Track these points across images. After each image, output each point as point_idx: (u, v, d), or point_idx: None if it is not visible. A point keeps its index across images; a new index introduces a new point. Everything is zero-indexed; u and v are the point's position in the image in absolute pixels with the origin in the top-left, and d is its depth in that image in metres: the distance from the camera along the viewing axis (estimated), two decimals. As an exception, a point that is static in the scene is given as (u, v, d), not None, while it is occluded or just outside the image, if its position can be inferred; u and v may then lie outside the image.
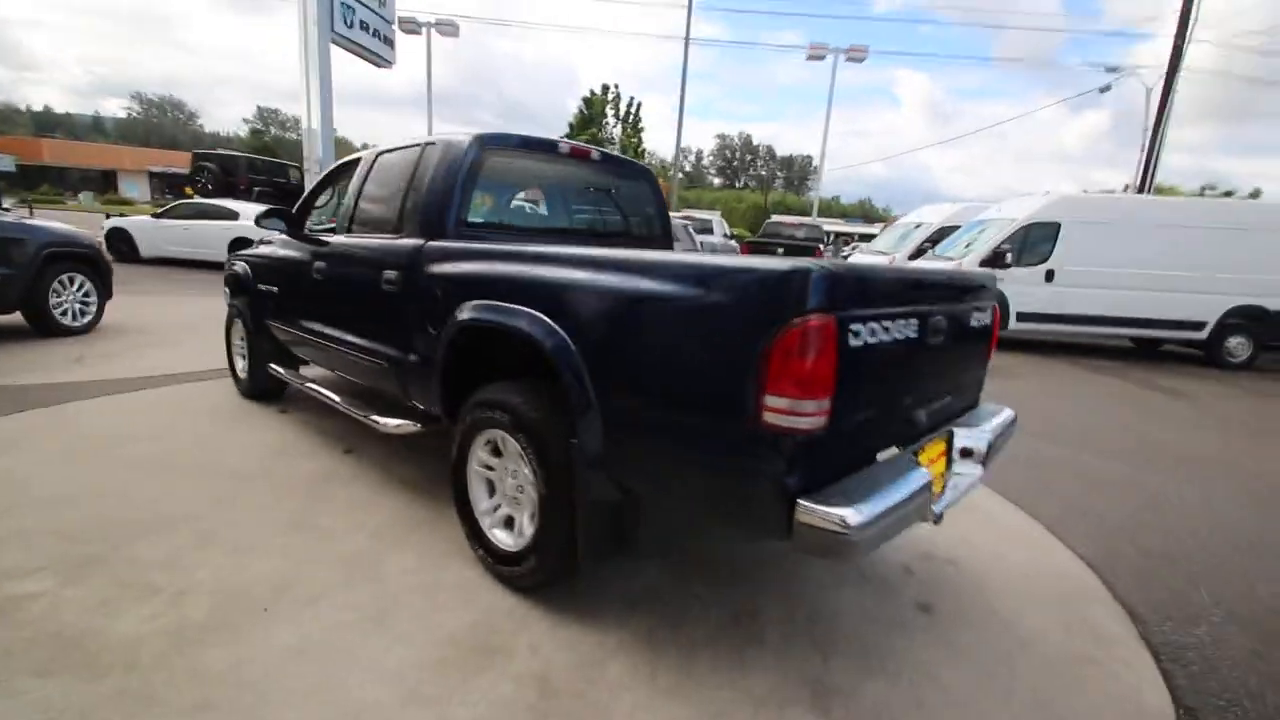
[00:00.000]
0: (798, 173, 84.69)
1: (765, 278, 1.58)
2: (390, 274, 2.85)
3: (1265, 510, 3.81)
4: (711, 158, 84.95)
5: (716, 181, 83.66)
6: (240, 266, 4.49)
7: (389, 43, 17.74)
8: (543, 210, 3.35)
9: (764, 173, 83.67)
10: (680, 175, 37.03)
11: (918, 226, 13.51)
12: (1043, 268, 9.21)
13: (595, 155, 3.33)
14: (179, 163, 29.33)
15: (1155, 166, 17.65)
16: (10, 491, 2.85)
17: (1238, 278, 8.98)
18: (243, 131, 61.55)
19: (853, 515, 1.53)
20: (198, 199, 14.02)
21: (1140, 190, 17.57)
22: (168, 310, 8.01)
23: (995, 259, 9.15)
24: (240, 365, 4.67)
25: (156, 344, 6.05)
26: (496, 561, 2.36)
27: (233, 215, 12.20)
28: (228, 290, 4.84)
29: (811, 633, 2.25)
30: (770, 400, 1.55)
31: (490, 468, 2.45)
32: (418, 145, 3.14)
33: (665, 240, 3.78)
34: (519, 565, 2.26)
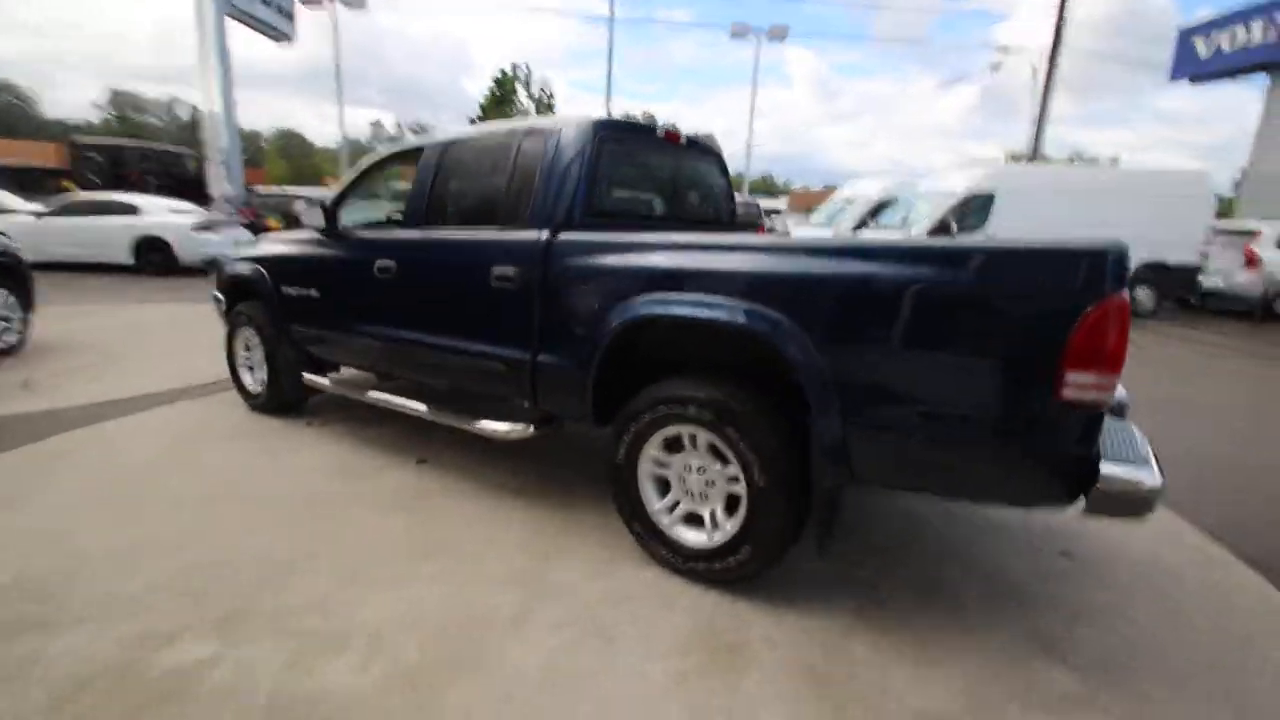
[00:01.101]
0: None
1: (1068, 260, 1.60)
2: (505, 270, 2.65)
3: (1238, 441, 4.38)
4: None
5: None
6: (246, 269, 4.00)
7: (288, 16, 16.27)
8: (644, 197, 3.21)
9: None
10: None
11: (850, 202, 14.12)
12: (981, 233, 9.92)
13: (682, 139, 3.23)
14: (29, 155, 25.31)
15: (1041, 138, 19.40)
16: (65, 551, 2.42)
17: (1142, 236, 10.09)
18: (93, 117, 54.05)
19: (1149, 477, 1.62)
20: (81, 194, 12.29)
21: (1031, 159, 19.22)
22: (93, 322, 7.01)
23: (942, 228, 9.76)
24: (251, 378, 4.20)
25: (107, 361, 5.29)
26: (686, 560, 2.29)
27: (133, 210, 10.81)
28: (221, 297, 4.31)
29: (996, 592, 2.35)
30: (1073, 377, 1.59)
31: (664, 465, 2.36)
32: (510, 131, 2.92)
33: (733, 222, 3.75)
34: (720, 560, 2.20)
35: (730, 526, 2.19)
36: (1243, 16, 16.53)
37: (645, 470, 2.38)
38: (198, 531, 2.57)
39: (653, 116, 3.22)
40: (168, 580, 2.22)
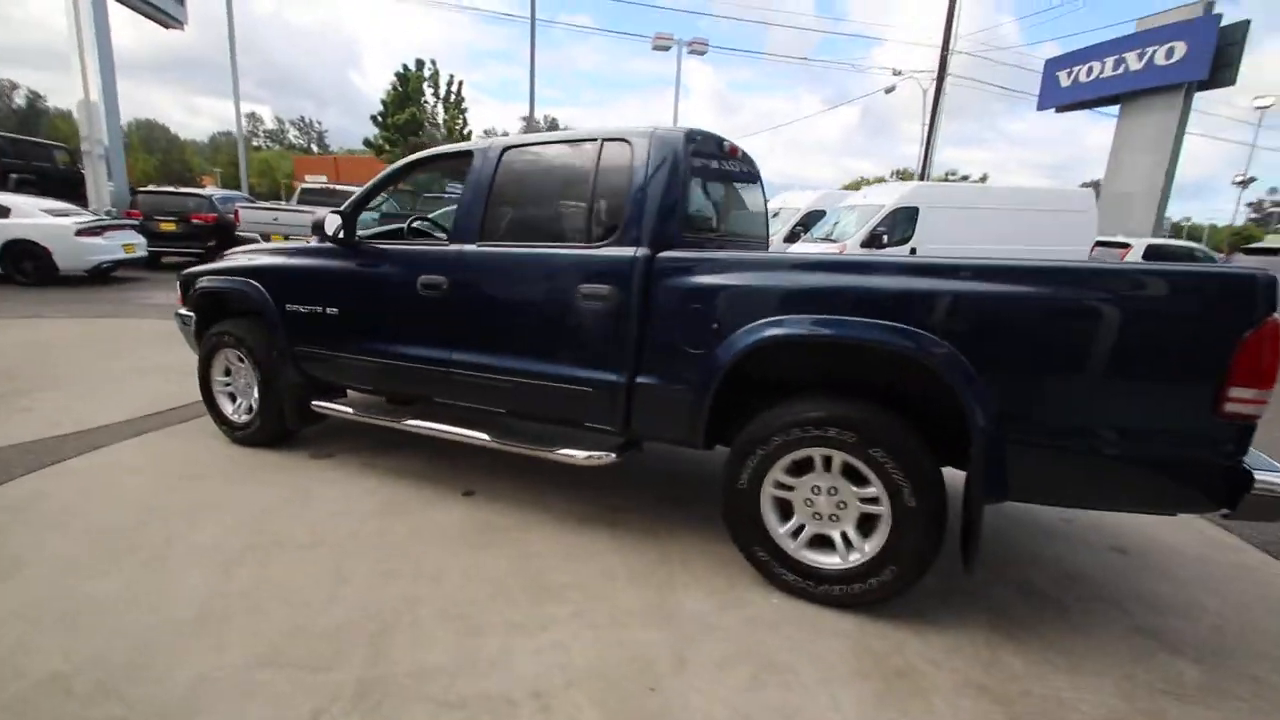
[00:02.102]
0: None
1: (1235, 285, 1.75)
2: (596, 289, 2.52)
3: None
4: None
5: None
6: (231, 284, 3.55)
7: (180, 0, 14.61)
8: (709, 213, 3.15)
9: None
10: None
11: (775, 214, 14.74)
12: (908, 245, 10.67)
13: (740, 153, 3.23)
14: None
15: (930, 158, 21.13)
16: (117, 628, 2.03)
17: (1039, 249, 11.25)
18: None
19: None
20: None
21: (921, 177, 20.85)
22: (-28, 343, 5.94)
23: (873, 239, 10.41)
24: (233, 406, 3.73)
25: (29, 389, 4.51)
26: (820, 583, 2.28)
27: (2, 212, 9.28)
28: (191, 314, 3.81)
29: (1086, 593, 2.52)
30: (1235, 393, 1.74)
31: (788, 488, 2.34)
32: (584, 140, 2.78)
33: (767, 240, 3.78)
34: (861, 582, 2.21)
35: (869, 548, 2.21)
36: (1099, 52, 18.90)
37: (768, 494, 2.35)
38: (264, 589, 2.25)
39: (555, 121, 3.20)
40: (266, 651, 1.92)
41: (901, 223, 10.75)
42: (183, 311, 3.85)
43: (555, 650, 1.99)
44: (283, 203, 14.41)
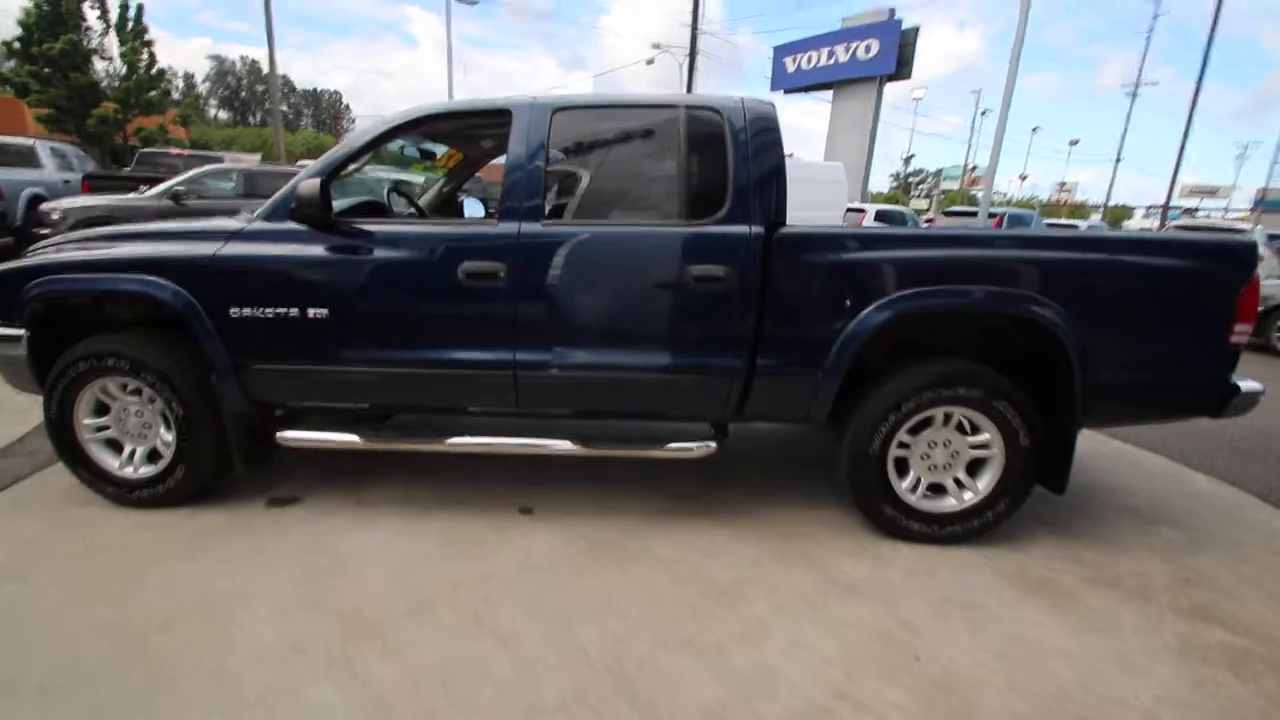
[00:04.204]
0: (327, 110, 76.23)
1: (1235, 248, 2.36)
2: (711, 270, 2.38)
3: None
4: (210, 85, 68.46)
5: (222, 115, 68.35)
6: (124, 283, 2.49)
7: None
8: None
9: (285, 108, 72.11)
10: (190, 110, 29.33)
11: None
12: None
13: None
14: None
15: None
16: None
17: (805, 215, 13.16)
18: None
19: (1257, 385, 2.54)
20: None
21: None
22: None
23: None
24: (124, 458, 2.68)
25: None
26: (944, 525, 2.55)
27: None
28: (21, 333, 2.60)
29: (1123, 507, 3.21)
30: (1239, 327, 2.39)
31: (906, 446, 2.54)
32: (663, 106, 2.55)
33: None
34: (978, 517, 2.53)
35: (983, 486, 2.53)
36: (816, 43, 22.23)
37: (891, 455, 2.52)
38: (430, 681, 1.74)
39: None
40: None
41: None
42: (6, 331, 2.58)
43: (800, 649, 1.94)
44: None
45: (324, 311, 2.47)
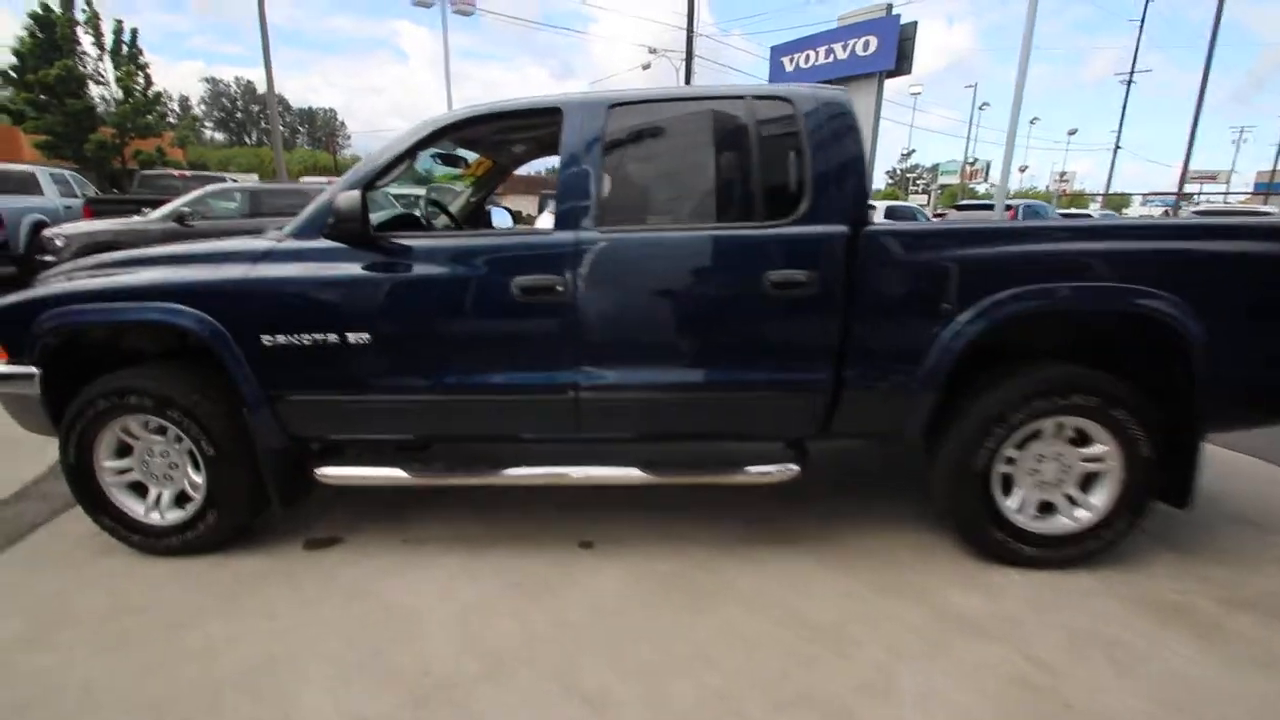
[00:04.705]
0: (323, 128, 76.36)
1: None
2: (791, 275, 2.15)
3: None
4: (205, 107, 68.58)
5: (219, 137, 68.47)
6: (148, 313, 2.27)
7: None
8: None
9: (282, 127, 72.28)
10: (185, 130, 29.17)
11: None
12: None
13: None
14: None
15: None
16: None
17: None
18: None
19: None
20: None
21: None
22: None
23: None
24: (151, 503, 2.46)
25: None
26: (1061, 547, 2.30)
27: None
28: (34, 371, 2.37)
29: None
30: None
31: (1012, 462, 2.30)
32: (727, 98, 2.33)
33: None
34: (1095, 538, 2.29)
35: (1099, 502, 2.29)
36: (814, 42, 22.09)
37: (997, 473, 2.29)
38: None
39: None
40: None
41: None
42: (19, 370, 2.36)
43: (936, 703, 1.70)
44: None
45: (366, 336, 2.25)
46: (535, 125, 2.80)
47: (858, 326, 2.19)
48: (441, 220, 3.18)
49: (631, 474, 2.34)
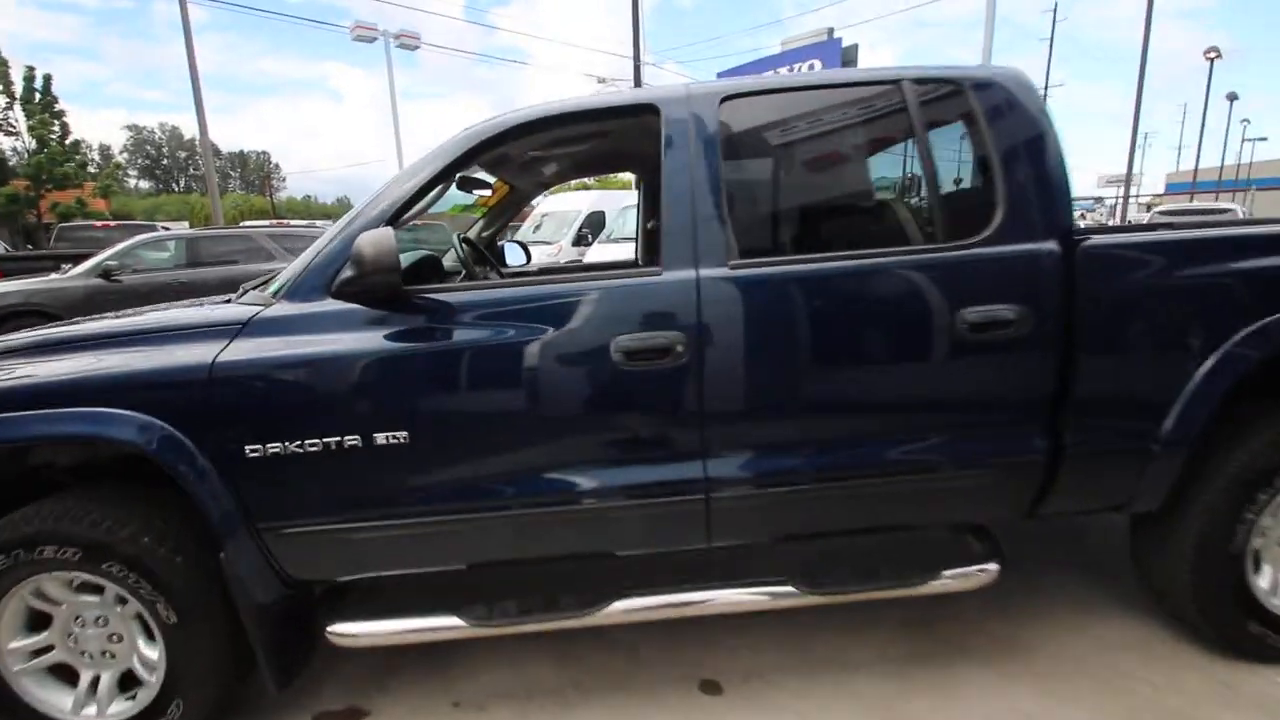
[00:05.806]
0: (255, 171, 73.86)
1: None
2: (995, 311, 1.59)
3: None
4: (128, 155, 65.23)
5: (144, 185, 65.20)
6: (75, 423, 1.52)
7: None
8: None
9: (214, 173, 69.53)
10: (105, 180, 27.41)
11: (547, 215, 14.08)
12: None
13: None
14: None
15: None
16: None
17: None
18: None
19: None
20: None
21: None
22: None
23: (581, 239, 11.95)
24: (81, 696, 1.69)
25: None
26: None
27: None
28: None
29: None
30: None
31: (1264, 531, 1.77)
32: (871, 84, 1.78)
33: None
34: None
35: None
36: (760, 67, 22.21)
37: (1251, 549, 1.75)
38: None
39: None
40: None
41: (597, 224, 12.23)
42: None
43: None
44: None
45: (402, 434, 1.55)
46: (603, 134, 2.18)
47: (1083, 375, 1.63)
48: (470, 264, 2.46)
49: (787, 594, 1.70)
